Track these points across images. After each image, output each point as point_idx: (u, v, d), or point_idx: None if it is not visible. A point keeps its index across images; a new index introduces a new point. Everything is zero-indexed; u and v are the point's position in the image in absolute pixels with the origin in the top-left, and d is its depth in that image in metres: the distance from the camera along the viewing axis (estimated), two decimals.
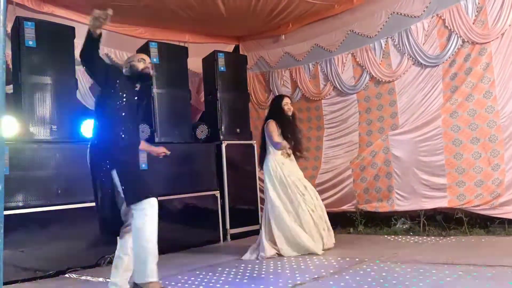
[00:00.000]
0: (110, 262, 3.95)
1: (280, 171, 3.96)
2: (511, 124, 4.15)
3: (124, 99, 2.78)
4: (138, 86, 2.96)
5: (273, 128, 4.04)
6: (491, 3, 4.21)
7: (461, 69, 4.42)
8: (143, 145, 3.23)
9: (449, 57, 4.49)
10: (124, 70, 2.98)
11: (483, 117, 4.28)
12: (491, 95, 4.25)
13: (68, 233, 3.84)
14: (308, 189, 4.01)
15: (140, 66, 2.93)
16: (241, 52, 6.19)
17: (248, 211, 5.27)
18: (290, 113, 4.16)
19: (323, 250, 3.80)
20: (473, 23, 4.31)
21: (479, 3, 4.27)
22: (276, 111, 4.17)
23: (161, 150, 3.32)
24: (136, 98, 2.91)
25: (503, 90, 4.20)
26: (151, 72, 2.99)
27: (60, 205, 3.81)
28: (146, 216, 2.56)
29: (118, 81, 2.80)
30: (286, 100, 4.20)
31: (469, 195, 4.26)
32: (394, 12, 4.83)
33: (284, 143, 3.97)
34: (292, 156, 4.11)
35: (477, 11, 4.30)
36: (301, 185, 3.98)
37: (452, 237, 4.07)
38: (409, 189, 4.62)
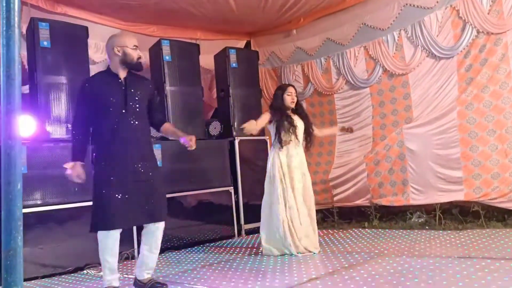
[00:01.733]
0: (127, 258, 4.05)
1: (270, 164, 3.92)
2: None
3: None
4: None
5: (263, 117, 3.99)
6: None
7: (476, 60, 4.35)
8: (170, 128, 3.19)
9: (464, 48, 4.42)
10: (112, 53, 2.81)
11: (499, 108, 4.21)
12: (507, 86, 4.17)
13: (86, 230, 3.86)
14: (296, 189, 3.82)
15: (135, 55, 2.80)
16: (252, 48, 6.19)
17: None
18: (292, 105, 3.97)
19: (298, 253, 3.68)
20: (488, 13, 4.23)
21: None
22: (276, 102, 3.99)
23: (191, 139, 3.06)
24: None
25: None
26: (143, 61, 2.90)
27: (77, 203, 3.87)
28: None
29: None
30: (290, 90, 3.97)
31: (486, 187, 4.20)
32: (407, 4, 4.76)
33: (247, 125, 3.81)
34: (297, 150, 3.91)
35: (492, 1, 4.22)
36: (289, 183, 3.81)
37: (468, 230, 4.02)
38: (425, 182, 4.57)
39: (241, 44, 6.22)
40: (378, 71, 5.07)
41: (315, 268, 3.06)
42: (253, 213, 5.14)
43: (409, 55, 4.82)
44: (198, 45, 5.15)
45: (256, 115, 5.49)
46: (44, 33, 3.89)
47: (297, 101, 4.04)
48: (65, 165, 2.83)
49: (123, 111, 2.76)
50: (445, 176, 4.44)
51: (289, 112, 3.96)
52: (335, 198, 5.32)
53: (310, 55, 5.69)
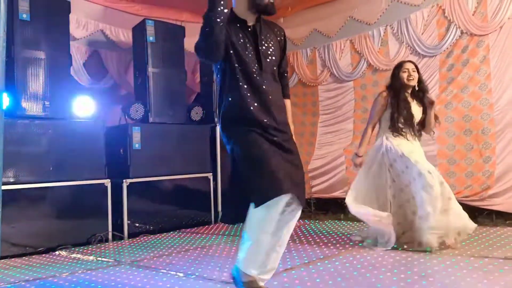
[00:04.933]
0: (101, 241, 4.01)
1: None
2: (504, 117, 4.17)
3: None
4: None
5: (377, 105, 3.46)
6: None
7: (458, 60, 4.42)
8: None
9: (447, 48, 4.49)
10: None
11: (477, 109, 4.31)
12: (487, 88, 4.27)
13: (59, 211, 3.84)
14: None
15: None
16: None
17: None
18: (411, 83, 3.36)
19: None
20: (473, 15, 4.29)
21: None
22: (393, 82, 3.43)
23: None
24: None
25: (499, 83, 4.21)
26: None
27: (51, 182, 3.79)
28: None
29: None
30: (406, 67, 3.38)
31: (460, 186, 4.31)
32: (394, 0, 4.79)
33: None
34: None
35: (477, 3, 4.28)
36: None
37: None
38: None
39: None
40: (363, 65, 5.11)
41: (291, 259, 3.09)
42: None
43: (394, 51, 4.87)
44: (183, 28, 5.07)
45: None
46: (23, 5, 3.74)
47: (420, 79, 3.41)
48: None
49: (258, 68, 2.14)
50: None
51: (408, 92, 3.38)
52: (313, 189, 5.37)
53: (296, 44, 5.67)
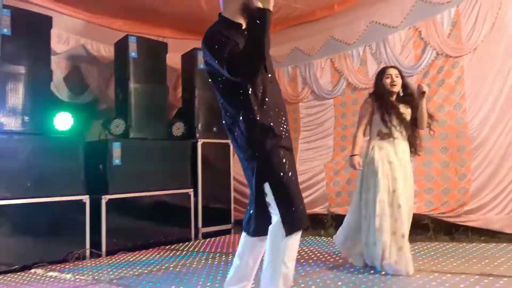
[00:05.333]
0: (78, 258, 3.92)
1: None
2: (479, 136, 4.30)
3: None
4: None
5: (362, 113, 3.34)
6: (465, 18, 4.36)
7: (434, 80, 4.56)
8: None
9: (423, 68, 4.63)
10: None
11: (452, 128, 4.44)
12: (461, 107, 4.41)
13: (36, 227, 3.76)
14: None
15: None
16: None
17: (221, 210, 5.28)
18: (394, 89, 3.26)
19: None
20: (448, 37, 4.45)
21: (454, 18, 4.42)
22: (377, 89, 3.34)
23: None
24: None
25: (473, 103, 4.36)
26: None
27: (29, 198, 3.72)
28: None
29: None
30: (389, 72, 3.28)
31: (436, 202, 4.41)
32: (373, 21, 4.94)
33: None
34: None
35: (452, 26, 4.45)
36: None
37: (418, 242, 4.19)
38: None
39: None
40: (343, 84, 5.22)
41: None
42: (211, 216, 5.14)
43: (372, 71, 4.99)
44: (166, 44, 5.09)
45: (221, 118, 5.46)
46: (5, 20, 3.71)
47: (405, 84, 3.32)
48: None
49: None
50: None
51: (392, 99, 3.28)
52: None
53: (278, 62, 5.75)
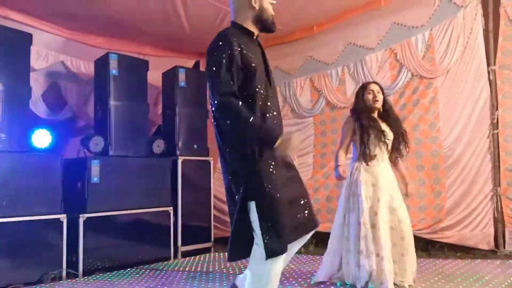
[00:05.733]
0: (54, 279, 3.82)
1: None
2: (452, 154, 4.44)
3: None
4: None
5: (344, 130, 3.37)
6: (438, 41, 4.54)
7: (410, 100, 4.71)
8: None
9: (400, 88, 4.78)
10: (247, 4, 2.16)
11: (427, 146, 4.57)
12: (436, 127, 4.55)
13: (11, 247, 3.65)
14: None
15: (271, 12, 2.21)
16: (201, 68, 6.22)
17: (201, 229, 5.24)
18: (377, 105, 3.29)
19: None
20: (422, 59, 4.62)
21: (428, 41, 4.60)
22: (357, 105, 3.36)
23: None
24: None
25: (446, 122, 4.51)
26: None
27: (4, 218, 3.62)
28: None
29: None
30: (371, 88, 3.31)
31: (414, 219, 4.48)
32: (350, 43, 5.09)
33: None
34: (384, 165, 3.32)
35: (426, 48, 4.62)
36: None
37: None
38: None
39: (190, 63, 6.23)
40: (322, 102, 5.32)
41: None
42: (191, 234, 5.09)
43: (350, 90, 5.11)
44: (147, 62, 5.09)
45: (201, 136, 5.51)
46: None
47: (385, 99, 3.32)
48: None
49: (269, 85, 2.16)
50: None
51: (374, 115, 3.29)
52: None
53: None
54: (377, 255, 2.99)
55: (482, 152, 4.33)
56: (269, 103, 2.09)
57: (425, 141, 4.59)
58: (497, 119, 4.28)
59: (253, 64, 2.05)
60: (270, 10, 2.19)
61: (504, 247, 4.17)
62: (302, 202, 2.11)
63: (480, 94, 4.34)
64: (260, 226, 1.94)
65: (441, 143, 4.52)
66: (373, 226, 3.05)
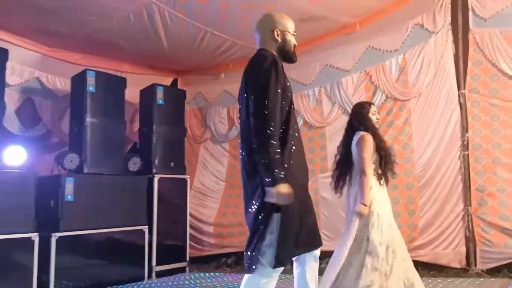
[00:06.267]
0: None
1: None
2: (425, 174, 4.55)
3: None
4: None
5: (368, 146, 3.07)
6: (411, 65, 4.69)
7: (384, 121, 4.83)
8: None
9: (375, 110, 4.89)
10: (270, 37, 2.27)
11: (401, 166, 4.67)
12: (409, 147, 4.67)
13: None
14: None
15: (293, 44, 2.32)
16: (179, 86, 6.23)
17: (176, 248, 5.17)
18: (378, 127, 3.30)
19: None
20: (396, 82, 4.77)
21: (401, 65, 4.75)
22: (366, 121, 3.20)
23: None
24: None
25: (419, 143, 4.63)
26: None
27: None
28: None
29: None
30: (374, 109, 3.29)
31: None
32: (327, 65, 5.21)
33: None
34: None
35: (399, 71, 4.77)
36: None
37: None
38: (335, 230, 4.85)
39: (168, 81, 6.24)
40: (299, 122, 5.39)
41: None
42: (166, 254, 5.01)
43: (327, 111, 5.21)
44: (125, 79, 5.07)
45: (178, 153, 5.48)
46: None
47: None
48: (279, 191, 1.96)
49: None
50: None
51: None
52: None
53: (237, 99, 5.86)
54: (385, 274, 2.94)
55: (454, 172, 4.45)
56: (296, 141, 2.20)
57: (399, 161, 4.67)
58: (467, 140, 4.42)
59: (289, 94, 2.18)
60: (292, 41, 2.29)
61: (476, 265, 4.26)
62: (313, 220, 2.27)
63: (451, 116, 4.49)
64: (277, 236, 2.03)
65: (414, 163, 4.63)
66: (388, 247, 3.06)
